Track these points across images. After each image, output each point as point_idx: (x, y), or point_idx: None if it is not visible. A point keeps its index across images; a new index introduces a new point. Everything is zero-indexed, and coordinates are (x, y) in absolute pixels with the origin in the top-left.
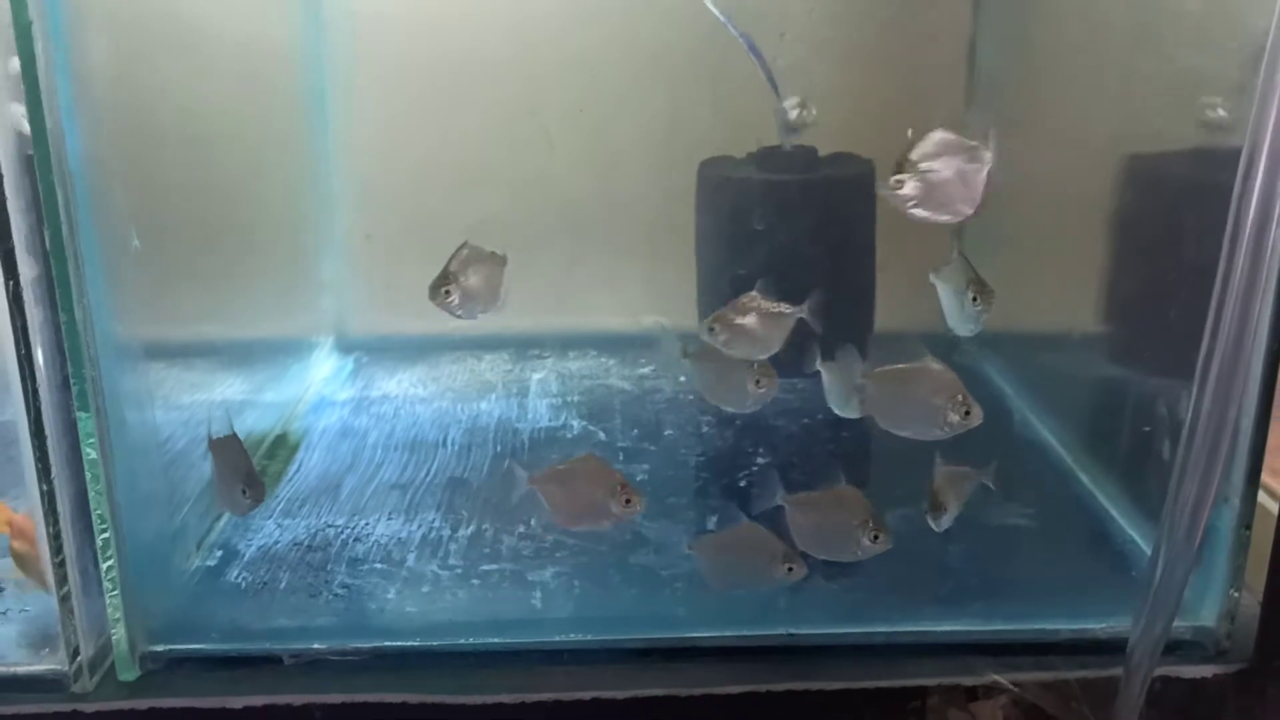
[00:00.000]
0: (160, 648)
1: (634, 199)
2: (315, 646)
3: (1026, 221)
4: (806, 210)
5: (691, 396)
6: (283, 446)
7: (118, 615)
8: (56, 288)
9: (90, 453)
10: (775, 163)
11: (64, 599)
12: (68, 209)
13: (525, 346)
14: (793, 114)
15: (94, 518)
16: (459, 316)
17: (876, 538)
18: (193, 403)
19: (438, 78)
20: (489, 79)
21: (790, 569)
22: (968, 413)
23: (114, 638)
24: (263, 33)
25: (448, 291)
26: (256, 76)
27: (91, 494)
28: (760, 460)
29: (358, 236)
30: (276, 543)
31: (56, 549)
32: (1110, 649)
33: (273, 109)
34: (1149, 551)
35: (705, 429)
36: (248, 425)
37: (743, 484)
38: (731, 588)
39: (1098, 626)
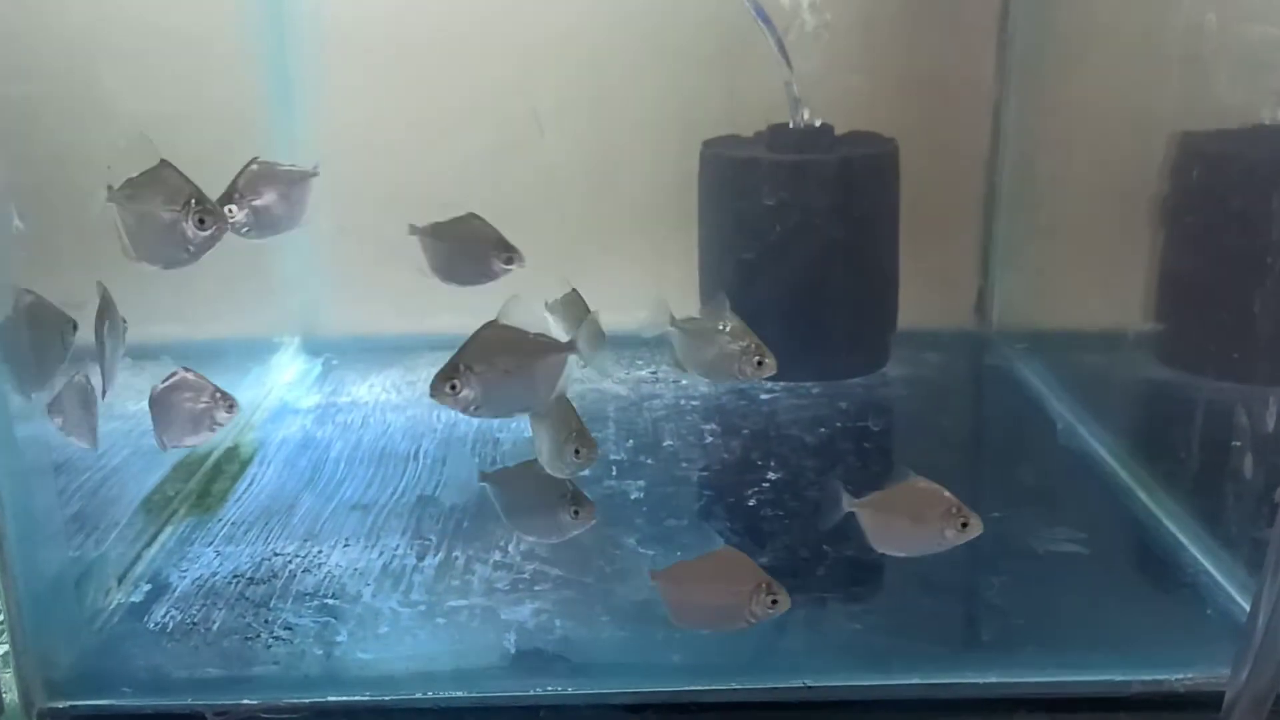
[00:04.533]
0: (61, 704)
1: (630, 183)
2: (246, 702)
3: (1066, 209)
4: (821, 194)
5: (696, 402)
6: (232, 460)
7: (8, 667)
8: None
9: None
10: (787, 142)
11: None
12: None
13: None
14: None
15: None
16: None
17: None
18: (139, 411)
19: (416, 53)
20: (472, 55)
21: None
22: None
23: (4, 696)
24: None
25: (231, 210)
26: (202, 52)
27: None
28: (771, 475)
29: (329, 228)
30: (214, 574)
31: None
32: (1190, 705)
33: (221, 86)
34: (1225, 583)
35: (709, 439)
36: None
37: (751, 503)
38: None
39: (1174, 678)
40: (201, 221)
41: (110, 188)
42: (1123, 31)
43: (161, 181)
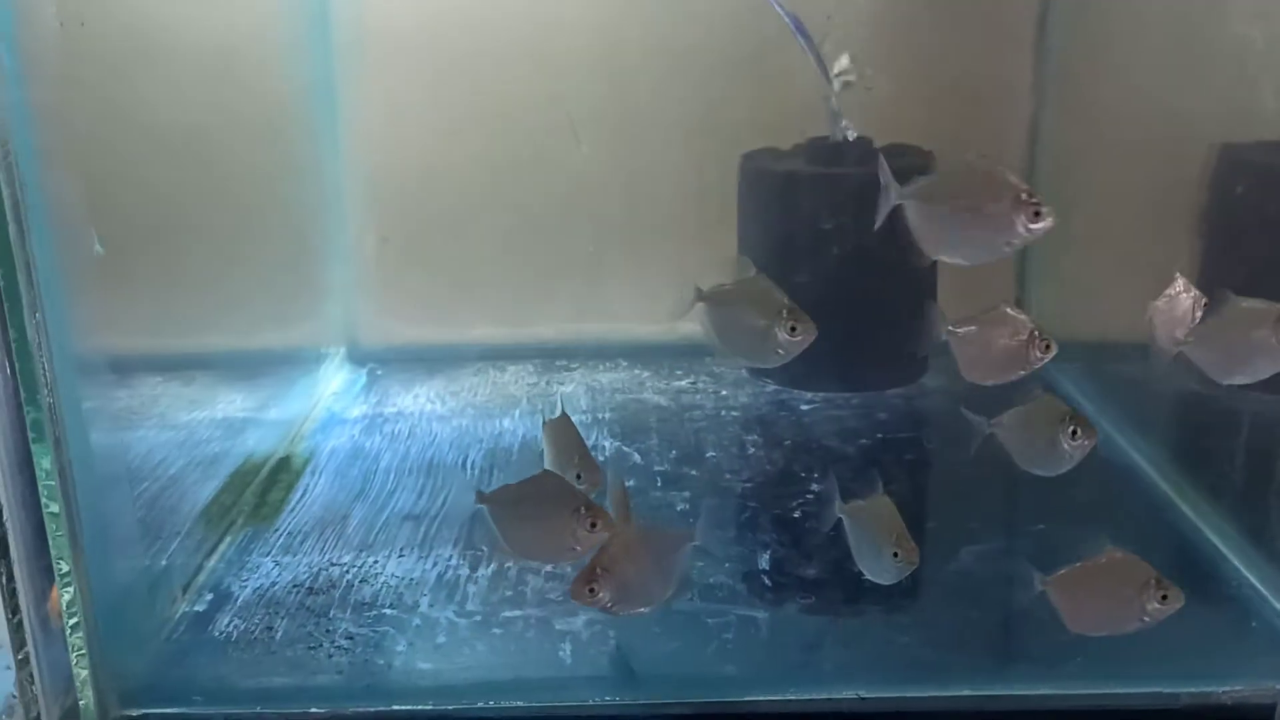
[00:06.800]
0: (135, 712)
1: (670, 194)
2: (313, 711)
3: (1104, 218)
4: (860, 207)
5: (736, 413)
6: (286, 471)
7: (85, 677)
8: (5, 300)
9: (49, 491)
10: (825, 155)
11: (23, 662)
12: (17, 209)
13: (551, 357)
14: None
15: (54, 565)
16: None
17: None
18: (190, 421)
19: (455, 65)
20: (511, 66)
21: None
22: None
23: (80, 703)
24: (254, 17)
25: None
26: (249, 66)
27: (51, 538)
28: (815, 487)
29: (371, 238)
30: (274, 584)
31: (13, 606)
32: (1237, 717)
33: (270, 101)
34: (1270, 596)
35: (752, 450)
36: (249, 446)
37: (797, 514)
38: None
39: (1220, 690)
40: (794, 329)
41: (698, 289)
42: (1163, 40)
43: (757, 290)
